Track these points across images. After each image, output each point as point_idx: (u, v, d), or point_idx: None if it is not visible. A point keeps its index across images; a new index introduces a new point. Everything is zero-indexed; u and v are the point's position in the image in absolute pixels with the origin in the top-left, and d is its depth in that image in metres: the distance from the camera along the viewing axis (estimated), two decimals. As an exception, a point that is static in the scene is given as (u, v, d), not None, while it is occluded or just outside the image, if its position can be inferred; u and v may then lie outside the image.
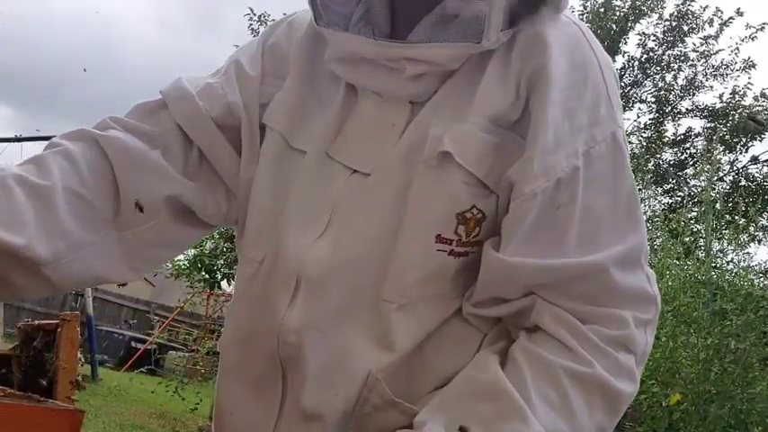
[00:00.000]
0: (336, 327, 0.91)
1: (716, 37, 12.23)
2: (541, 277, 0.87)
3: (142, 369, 9.70)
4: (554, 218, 0.86)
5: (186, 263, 8.50)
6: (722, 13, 12.10)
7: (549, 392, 0.83)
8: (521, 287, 0.89)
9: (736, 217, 6.06)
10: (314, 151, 0.97)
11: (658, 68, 12.62)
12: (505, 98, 0.89)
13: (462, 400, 0.84)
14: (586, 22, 12.22)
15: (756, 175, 12.44)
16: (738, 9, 11.93)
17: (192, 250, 8.10)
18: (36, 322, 1.65)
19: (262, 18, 11.38)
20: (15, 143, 9.24)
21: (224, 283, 8.71)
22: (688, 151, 12.75)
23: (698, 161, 11.72)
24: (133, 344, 14.08)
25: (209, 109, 1.01)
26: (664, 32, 12.40)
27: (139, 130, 1.00)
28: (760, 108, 11.96)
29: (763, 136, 12.06)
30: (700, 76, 12.52)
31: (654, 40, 12.46)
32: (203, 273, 8.44)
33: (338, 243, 0.91)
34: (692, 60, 12.46)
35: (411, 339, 0.89)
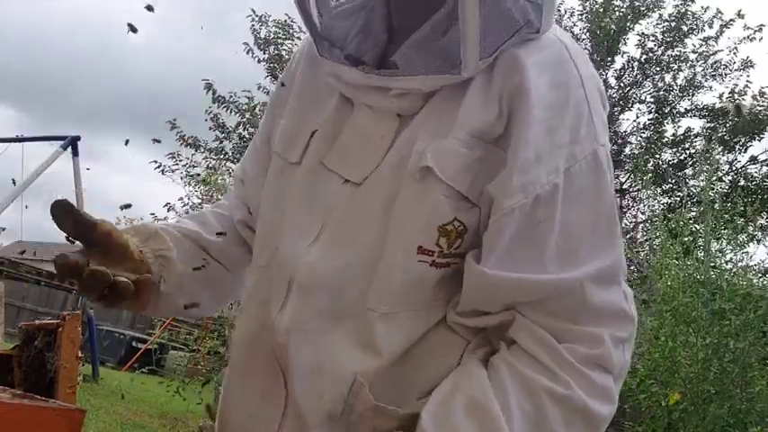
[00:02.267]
0: (321, 329, 0.93)
1: (716, 38, 12.19)
2: (519, 292, 0.88)
3: (143, 369, 9.67)
4: (533, 233, 0.88)
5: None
6: (722, 14, 12.07)
7: (529, 410, 0.85)
8: (500, 302, 0.90)
9: (735, 217, 6.03)
10: (308, 161, 1.00)
11: (658, 69, 12.58)
12: (488, 113, 0.90)
13: (452, 416, 0.86)
14: (586, 23, 12.29)
15: (755, 174, 12.39)
16: (740, 11, 11.87)
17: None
18: (37, 322, 1.65)
19: (262, 19, 11.33)
20: (17, 143, 9.24)
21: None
22: (687, 151, 12.69)
23: (697, 161, 11.69)
24: (134, 343, 14.09)
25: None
26: (663, 33, 12.36)
27: None
28: (760, 108, 11.92)
29: (762, 135, 12.04)
30: (699, 77, 12.49)
31: (653, 41, 12.43)
32: (204, 273, 8.41)
33: (329, 249, 0.94)
34: (692, 61, 12.42)
35: (395, 346, 0.91)
